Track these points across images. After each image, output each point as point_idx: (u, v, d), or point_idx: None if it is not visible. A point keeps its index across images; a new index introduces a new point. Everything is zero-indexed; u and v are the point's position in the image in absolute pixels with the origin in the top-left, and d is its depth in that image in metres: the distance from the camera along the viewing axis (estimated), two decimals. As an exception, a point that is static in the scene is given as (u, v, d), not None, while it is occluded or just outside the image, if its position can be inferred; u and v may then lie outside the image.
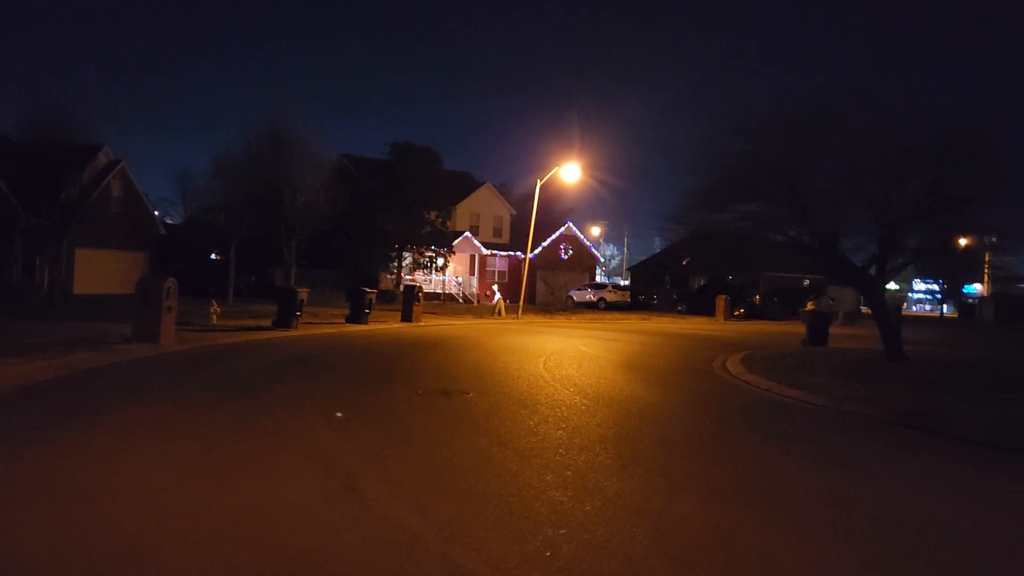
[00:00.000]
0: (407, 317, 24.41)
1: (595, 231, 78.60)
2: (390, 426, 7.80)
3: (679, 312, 41.92)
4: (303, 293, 20.31)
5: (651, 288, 50.46)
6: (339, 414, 8.17)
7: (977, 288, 55.24)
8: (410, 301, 24.77)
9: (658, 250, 59.68)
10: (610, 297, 44.89)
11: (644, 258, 63.67)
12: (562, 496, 5.29)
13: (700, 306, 40.53)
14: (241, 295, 32.26)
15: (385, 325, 22.71)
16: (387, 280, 38.66)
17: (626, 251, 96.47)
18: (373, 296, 23.48)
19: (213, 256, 40.95)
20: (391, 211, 36.73)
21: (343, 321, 22.36)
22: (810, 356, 17.04)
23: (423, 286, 31.19)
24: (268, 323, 19.59)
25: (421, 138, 60.62)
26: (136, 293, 15.04)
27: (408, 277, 38.29)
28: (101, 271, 32.48)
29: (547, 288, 44.69)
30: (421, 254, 39.14)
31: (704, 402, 10.85)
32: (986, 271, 47.42)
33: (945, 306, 60.98)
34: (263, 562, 4.00)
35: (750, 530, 4.79)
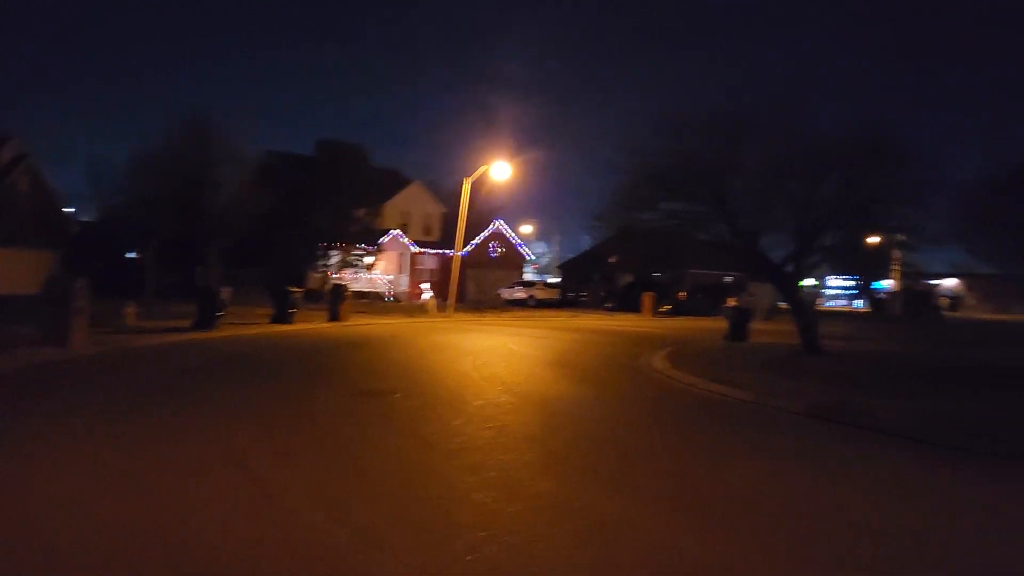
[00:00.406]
0: (335, 316, 24.02)
1: (527, 229, 78.94)
2: (313, 429, 7.63)
3: (607, 309, 42.48)
4: (225, 293, 19.73)
5: (581, 285, 51.01)
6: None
7: (886, 284, 57.81)
8: (337, 300, 24.39)
9: (587, 248, 60.37)
10: (540, 295, 45.16)
11: (574, 256, 64.33)
12: (486, 497, 5.26)
13: (628, 303, 41.18)
14: (161, 295, 31.09)
15: (312, 325, 22.27)
16: (315, 279, 37.97)
17: (557, 249, 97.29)
18: (299, 295, 22.99)
19: (132, 255, 39.37)
20: (319, 208, 36.04)
21: (268, 321, 21.82)
22: (732, 351, 17.54)
23: (353, 285, 30.76)
24: (188, 324, 18.95)
25: (351, 135, 59.62)
26: (44, 293, 14.32)
27: (337, 276, 37.68)
28: (9, 271, 30.81)
29: (477, 286, 44.64)
30: (349, 252, 38.55)
31: (629, 398, 11.00)
32: (895, 267, 49.85)
33: (859, 301, 63.69)
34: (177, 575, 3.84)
35: (673, 528, 4.86)
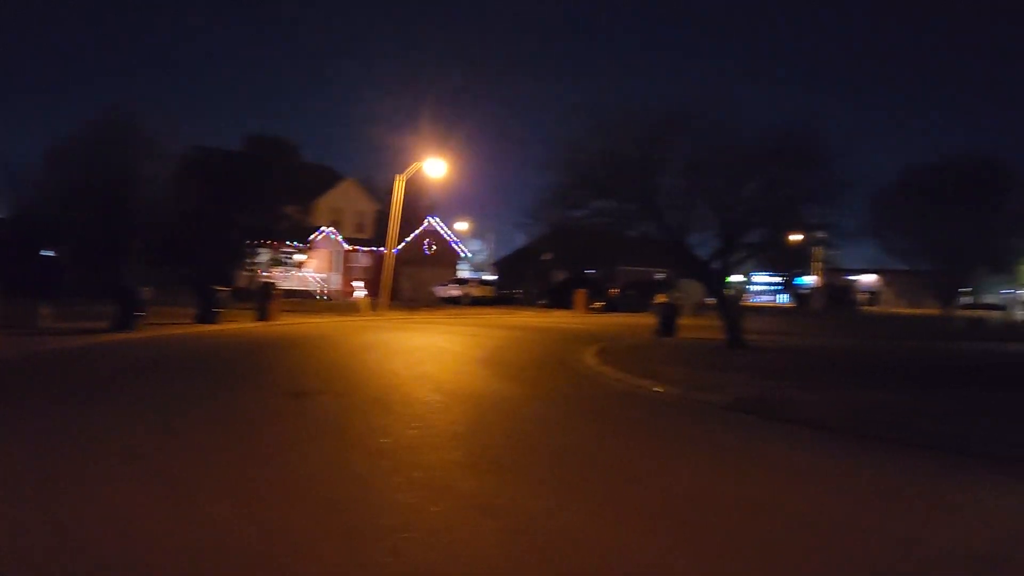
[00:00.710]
0: (263, 316, 23.48)
1: (462, 226, 78.78)
2: (233, 433, 7.42)
3: (541, 306, 42.77)
4: (146, 292, 19.07)
5: (515, 283, 51.21)
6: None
7: (809, 280, 59.94)
8: (266, 299, 23.86)
9: (522, 245, 60.59)
10: (475, 292, 45.17)
11: (509, 253, 64.51)
12: (410, 498, 5.21)
13: (561, 300, 41.57)
14: (79, 295, 29.80)
15: (239, 325, 21.71)
16: (244, 277, 37.07)
17: (492, 246, 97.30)
18: (226, 294, 22.39)
19: (48, 253, 37.64)
20: (247, 205, 35.17)
21: (192, 321, 21.18)
22: (661, 347, 17.86)
23: (283, 283, 30.13)
24: (106, 325, 18.23)
25: (282, 131, 58.40)
26: (-53, 295, 13.58)
27: (266, 274, 36.86)
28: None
29: (411, 284, 44.34)
30: (279, 250, 37.77)
31: (558, 395, 11.08)
32: (817, 264, 51.70)
33: (784, 296, 65.83)
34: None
35: (600, 524, 4.88)
